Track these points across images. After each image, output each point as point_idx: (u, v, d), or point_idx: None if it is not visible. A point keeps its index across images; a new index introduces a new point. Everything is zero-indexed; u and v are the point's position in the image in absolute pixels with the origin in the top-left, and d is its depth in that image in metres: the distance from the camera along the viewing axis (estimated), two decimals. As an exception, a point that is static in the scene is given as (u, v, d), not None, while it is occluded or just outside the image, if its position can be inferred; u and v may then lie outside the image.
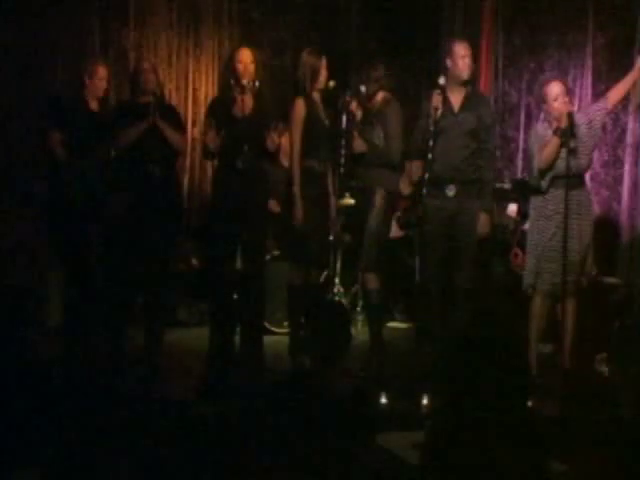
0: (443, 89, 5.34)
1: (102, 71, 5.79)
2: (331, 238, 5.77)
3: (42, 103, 6.19)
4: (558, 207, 5.16)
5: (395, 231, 7.15)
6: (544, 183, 5.26)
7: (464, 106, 5.42)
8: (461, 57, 5.37)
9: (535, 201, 5.36)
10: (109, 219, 5.60)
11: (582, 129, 5.24)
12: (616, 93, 5.34)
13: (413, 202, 6.93)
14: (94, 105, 5.76)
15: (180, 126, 5.76)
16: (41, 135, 5.77)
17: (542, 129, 5.34)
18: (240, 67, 5.37)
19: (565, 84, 5.40)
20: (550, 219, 5.24)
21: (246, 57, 5.40)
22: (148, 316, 5.70)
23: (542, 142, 5.25)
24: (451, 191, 5.39)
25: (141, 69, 5.61)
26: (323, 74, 5.43)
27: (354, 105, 5.53)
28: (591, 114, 5.33)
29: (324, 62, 5.44)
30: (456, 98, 5.42)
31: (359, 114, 5.60)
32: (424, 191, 5.32)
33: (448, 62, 5.41)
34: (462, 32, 7.69)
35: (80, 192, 5.63)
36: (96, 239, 5.85)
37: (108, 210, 5.61)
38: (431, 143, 5.27)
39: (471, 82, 5.54)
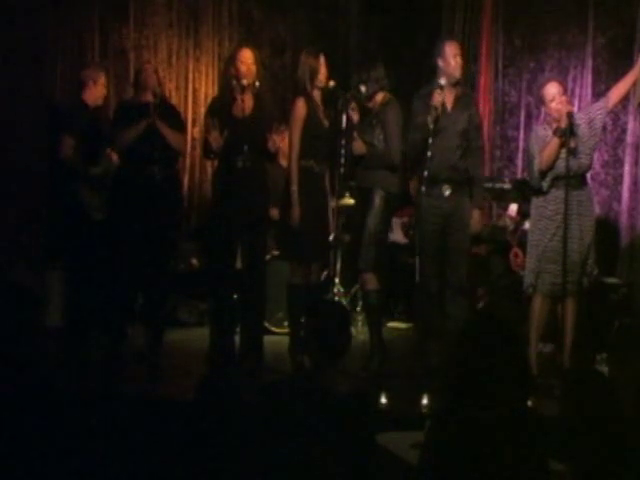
0: (443, 89, 5.37)
1: (105, 78, 5.80)
2: (331, 238, 5.77)
3: (43, 111, 6.17)
4: (559, 207, 5.16)
5: (400, 237, 7.16)
6: (545, 184, 5.26)
7: (456, 105, 5.45)
8: (453, 56, 5.41)
9: (536, 202, 5.36)
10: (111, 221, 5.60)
11: (582, 128, 5.24)
12: (617, 92, 5.35)
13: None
14: (93, 110, 5.77)
15: (181, 126, 5.76)
16: (51, 142, 5.77)
17: (542, 131, 5.35)
18: (243, 68, 5.37)
19: (562, 84, 5.40)
20: (551, 219, 5.24)
21: (248, 57, 5.41)
22: (148, 316, 5.70)
23: (542, 144, 5.25)
24: (447, 190, 5.42)
25: (142, 68, 5.65)
26: (322, 72, 5.43)
27: (353, 107, 5.53)
28: (592, 113, 5.33)
29: (322, 61, 5.43)
30: (448, 98, 5.44)
31: (356, 117, 5.60)
32: (422, 189, 5.35)
33: (440, 62, 5.43)
34: (462, 32, 7.70)
35: (91, 197, 5.63)
36: (98, 240, 5.85)
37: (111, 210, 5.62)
38: (430, 141, 5.29)
39: (461, 81, 5.56)
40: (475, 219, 5.47)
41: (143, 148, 5.41)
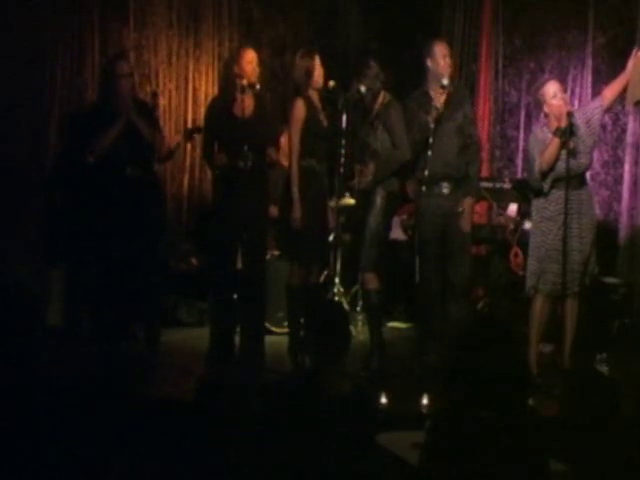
0: (445, 89, 5.39)
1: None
2: (331, 238, 5.77)
3: (42, 111, 6.13)
4: (561, 208, 5.16)
5: (399, 234, 7.16)
6: (546, 185, 5.26)
7: (449, 104, 5.46)
8: (442, 57, 5.44)
9: (537, 203, 5.36)
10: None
11: (581, 128, 5.24)
12: (610, 92, 5.36)
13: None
14: None
15: (155, 124, 5.62)
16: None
17: (541, 133, 5.35)
18: (249, 68, 5.38)
19: (561, 83, 5.41)
20: (551, 220, 5.24)
21: (253, 58, 5.42)
22: (145, 315, 5.69)
23: (542, 146, 5.25)
24: (446, 189, 5.43)
25: (117, 74, 5.42)
26: (318, 73, 5.43)
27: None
28: (588, 113, 5.34)
29: (317, 61, 5.43)
30: (440, 97, 5.46)
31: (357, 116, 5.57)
32: (423, 189, 5.36)
33: (429, 62, 5.45)
34: (462, 32, 7.71)
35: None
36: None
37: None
38: (431, 140, 5.31)
39: (452, 81, 5.58)
40: (467, 209, 5.44)
41: (116, 148, 5.34)
